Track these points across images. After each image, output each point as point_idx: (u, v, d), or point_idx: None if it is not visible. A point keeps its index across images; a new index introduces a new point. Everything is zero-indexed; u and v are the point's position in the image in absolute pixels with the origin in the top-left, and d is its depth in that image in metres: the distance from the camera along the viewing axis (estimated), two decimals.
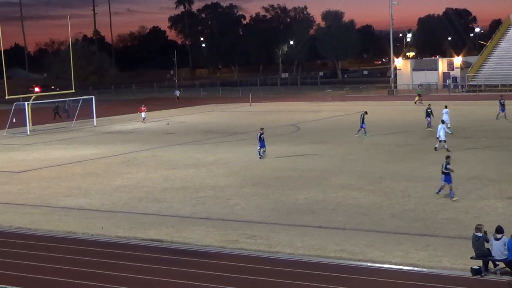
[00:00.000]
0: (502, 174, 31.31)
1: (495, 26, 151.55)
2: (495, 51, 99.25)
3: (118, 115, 74.46)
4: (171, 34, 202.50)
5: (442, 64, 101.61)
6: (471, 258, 18.21)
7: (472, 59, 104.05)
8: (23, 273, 19.45)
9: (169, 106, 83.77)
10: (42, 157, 43.56)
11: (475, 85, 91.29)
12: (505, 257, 17.73)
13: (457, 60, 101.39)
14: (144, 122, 63.71)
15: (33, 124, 60.48)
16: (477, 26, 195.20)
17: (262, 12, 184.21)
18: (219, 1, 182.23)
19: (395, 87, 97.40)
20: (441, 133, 38.68)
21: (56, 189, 32.16)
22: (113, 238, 22.96)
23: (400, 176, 31.67)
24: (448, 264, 18.66)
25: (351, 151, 40.70)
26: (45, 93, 76.98)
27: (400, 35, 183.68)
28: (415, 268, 18.56)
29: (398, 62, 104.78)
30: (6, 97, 59.60)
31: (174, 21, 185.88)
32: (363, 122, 46.69)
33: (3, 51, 61.41)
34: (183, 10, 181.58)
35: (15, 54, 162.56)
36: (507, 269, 17.82)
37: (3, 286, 18.45)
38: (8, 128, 59.25)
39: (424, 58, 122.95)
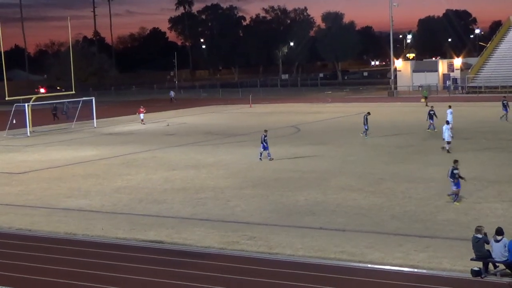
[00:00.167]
0: (502, 175, 31.31)
1: (495, 27, 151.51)
2: (495, 53, 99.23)
3: (118, 116, 74.47)
4: (171, 36, 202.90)
5: (442, 66, 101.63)
6: (471, 259, 18.21)
7: (472, 60, 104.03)
8: (23, 274, 19.45)
9: (169, 108, 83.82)
10: (42, 158, 43.57)
11: (475, 87, 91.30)
12: (505, 259, 17.73)
13: (457, 62, 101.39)
14: (143, 123, 63.76)
15: (33, 126, 60.48)
16: (477, 28, 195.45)
17: (262, 14, 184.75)
18: (219, 3, 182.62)
19: (395, 88, 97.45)
20: (445, 134, 38.58)
21: (56, 190, 32.16)
22: (113, 239, 22.95)
23: (400, 178, 31.67)
24: (448, 265, 18.66)
25: (351, 152, 40.70)
26: (45, 95, 76.96)
27: (400, 36, 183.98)
28: (415, 270, 18.56)
29: (398, 63, 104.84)
30: (6, 98, 59.60)
31: (174, 22, 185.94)
32: (366, 123, 46.61)
33: (3, 52, 61.42)
34: (183, 11, 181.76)
35: (15, 56, 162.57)
36: (507, 270, 17.81)
37: (3, 287, 18.44)
38: (8, 129, 59.26)
39: (424, 60, 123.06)
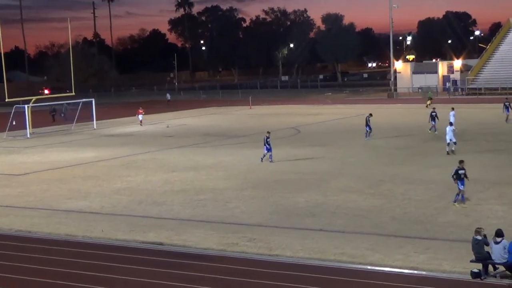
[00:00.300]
0: (502, 177, 31.31)
1: (495, 29, 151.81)
2: (495, 54, 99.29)
3: (118, 118, 74.48)
4: (171, 37, 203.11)
5: (442, 67, 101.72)
6: (471, 261, 18.20)
7: (472, 62, 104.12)
8: (23, 276, 19.43)
9: (168, 109, 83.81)
10: (42, 160, 43.57)
11: (475, 88, 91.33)
12: (505, 261, 17.72)
13: (457, 63, 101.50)
14: (141, 125, 63.80)
15: (32, 127, 60.46)
16: (477, 29, 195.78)
17: (262, 15, 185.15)
18: (219, 4, 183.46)
19: (395, 90, 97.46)
20: (448, 135, 38.49)
21: (56, 192, 32.16)
22: (113, 241, 22.94)
23: (400, 179, 31.66)
24: (448, 267, 18.64)
25: (351, 154, 40.70)
26: (45, 96, 76.93)
27: (400, 38, 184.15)
28: (415, 271, 18.55)
29: (398, 65, 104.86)
30: (6, 100, 59.61)
31: (174, 24, 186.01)
32: (367, 124, 46.55)
33: (3, 54, 61.40)
34: (183, 13, 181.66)
35: (15, 57, 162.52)
36: (507, 272, 17.81)
37: None
38: (8, 131, 59.27)
39: (424, 61, 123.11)
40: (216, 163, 38.81)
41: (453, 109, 47.51)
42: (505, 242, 17.85)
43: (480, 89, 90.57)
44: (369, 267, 19.10)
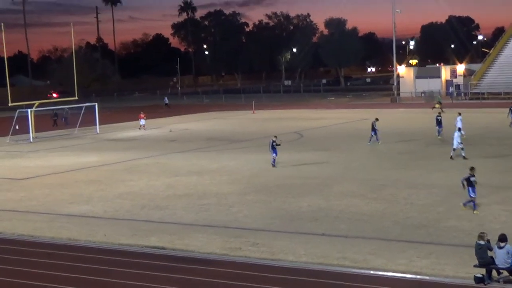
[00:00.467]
0: (506, 182, 31.25)
1: (498, 33, 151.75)
2: (498, 59, 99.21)
3: (121, 122, 74.52)
4: (174, 42, 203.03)
5: (445, 72, 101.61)
6: (474, 266, 18.15)
7: (475, 66, 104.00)
8: (25, 280, 19.43)
9: (171, 113, 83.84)
10: (45, 164, 43.59)
11: (478, 93, 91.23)
12: (509, 266, 17.68)
13: (460, 68, 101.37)
14: (144, 129, 63.84)
15: (35, 131, 60.48)
16: (480, 34, 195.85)
17: (265, 20, 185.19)
18: (222, 9, 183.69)
19: (398, 94, 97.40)
20: (455, 140, 38.34)
21: (59, 196, 32.17)
22: (115, 245, 22.93)
23: (402, 184, 31.62)
24: (451, 272, 18.60)
25: (353, 158, 40.67)
26: (47, 101, 76.97)
27: (403, 42, 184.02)
28: (418, 276, 18.51)
29: (401, 69, 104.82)
30: (9, 104, 59.67)
31: (177, 28, 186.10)
32: (373, 129, 46.44)
33: (7, 58, 61.57)
34: (186, 17, 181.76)
35: (18, 61, 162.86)
36: (511, 277, 17.76)
37: None
38: (11, 135, 59.34)
39: (427, 66, 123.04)
40: (219, 168, 38.80)
41: (460, 114, 46.98)
42: (508, 247, 17.80)
43: (483, 93, 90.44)
44: (371, 272, 19.07)
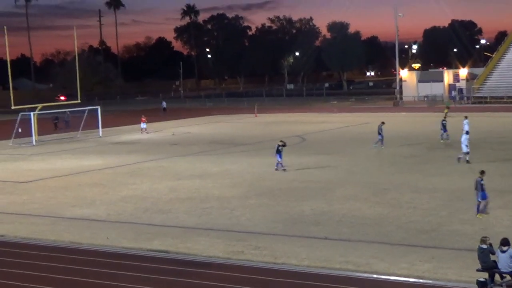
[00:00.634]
0: (508, 185, 31.22)
1: (501, 37, 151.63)
2: (500, 63, 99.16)
3: (123, 125, 74.56)
4: (177, 45, 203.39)
5: (447, 76, 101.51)
6: (477, 270, 18.12)
7: (478, 70, 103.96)
8: (28, 283, 19.43)
9: (174, 117, 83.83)
10: (48, 167, 43.63)
11: (481, 97, 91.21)
12: (511, 270, 17.65)
13: (463, 72, 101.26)
14: (147, 133, 63.89)
15: (38, 135, 60.51)
16: (483, 38, 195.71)
17: (268, 23, 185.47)
18: (225, 12, 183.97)
19: (401, 98, 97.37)
20: (464, 144, 38.25)
21: (62, 199, 32.19)
22: (118, 248, 22.94)
23: (405, 188, 31.60)
24: (453, 276, 18.58)
25: (356, 162, 40.66)
26: (50, 104, 76.99)
27: (406, 46, 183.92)
28: (421, 280, 18.48)
29: (404, 73, 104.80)
30: (12, 107, 59.75)
31: (180, 32, 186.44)
32: (380, 133, 46.38)
33: (10, 61, 61.64)
34: (189, 21, 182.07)
35: (21, 65, 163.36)
36: None
37: None
38: (14, 138, 59.40)
39: (429, 70, 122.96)
40: (221, 171, 38.81)
41: (466, 117, 46.55)
42: (511, 251, 17.77)
43: (485, 97, 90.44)
44: (374, 276, 19.05)
